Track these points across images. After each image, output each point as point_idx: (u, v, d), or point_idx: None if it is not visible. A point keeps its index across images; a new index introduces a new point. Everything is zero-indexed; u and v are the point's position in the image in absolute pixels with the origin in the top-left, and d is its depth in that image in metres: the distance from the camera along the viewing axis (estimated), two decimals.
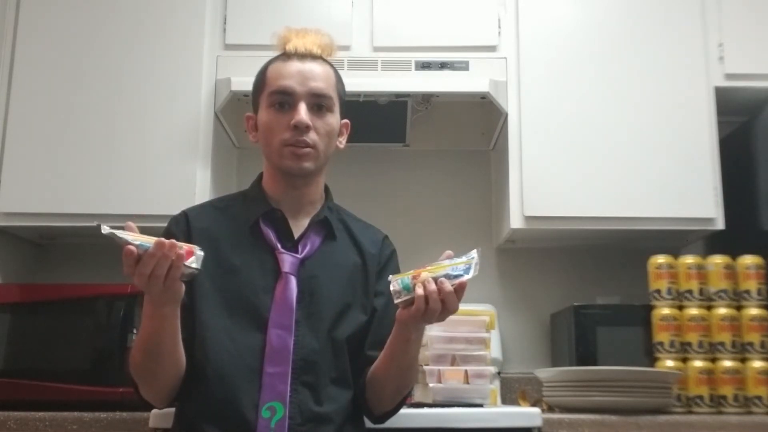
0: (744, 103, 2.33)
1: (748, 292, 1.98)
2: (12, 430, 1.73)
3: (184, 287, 1.24)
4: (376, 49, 2.27)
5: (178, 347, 1.32)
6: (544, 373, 1.97)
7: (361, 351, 1.48)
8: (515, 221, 2.20)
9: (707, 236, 2.32)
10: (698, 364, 1.94)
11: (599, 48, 2.27)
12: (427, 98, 2.36)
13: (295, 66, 1.47)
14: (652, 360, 2.00)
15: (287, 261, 1.43)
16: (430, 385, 1.78)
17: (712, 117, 2.23)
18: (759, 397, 1.90)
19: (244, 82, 2.12)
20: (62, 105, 2.19)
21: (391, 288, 1.30)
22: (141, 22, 2.25)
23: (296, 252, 1.45)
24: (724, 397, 1.92)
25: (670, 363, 1.95)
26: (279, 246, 1.45)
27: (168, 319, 1.27)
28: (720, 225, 2.18)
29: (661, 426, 1.76)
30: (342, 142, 1.55)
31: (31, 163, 2.16)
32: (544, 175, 2.20)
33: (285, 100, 1.45)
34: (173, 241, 1.19)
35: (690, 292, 2.01)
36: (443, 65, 2.24)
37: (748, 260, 2.00)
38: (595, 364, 2.06)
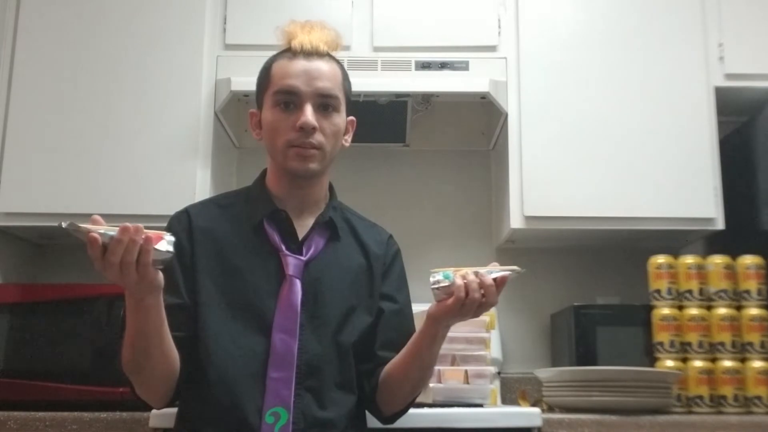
0: (744, 103, 2.33)
1: (748, 292, 1.98)
2: (12, 430, 1.73)
3: (161, 275, 1.19)
4: (376, 49, 2.27)
5: (165, 340, 1.28)
6: (544, 373, 1.97)
7: (371, 352, 1.46)
8: (515, 221, 2.20)
9: (707, 236, 2.32)
10: (698, 364, 1.94)
11: (599, 48, 2.27)
12: (427, 98, 2.36)
13: (301, 64, 1.43)
14: (652, 360, 2.00)
15: (291, 263, 1.41)
16: (430, 385, 1.78)
17: (712, 117, 2.23)
18: (759, 397, 1.90)
19: (244, 82, 2.12)
20: (62, 105, 2.19)
21: (431, 279, 1.30)
22: (141, 22, 2.25)
23: (300, 254, 1.43)
24: (724, 397, 1.92)
25: (670, 363, 1.95)
26: (284, 248, 1.42)
27: (151, 311, 1.22)
28: (720, 225, 2.18)
29: (661, 426, 1.76)
30: (348, 140, 1.52)
31: (31, 163, 2.16)
32: (544, 175, 2.20)
33: (290, 100, 1.41)
34: (138, 225, 1.14)
35: (690, 292, 2.01)
36: (443, 65, 2.24)
37: (748, 260, 2.00)
38: (595, 364, 2.06)
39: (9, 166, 2.16)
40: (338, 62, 1.50)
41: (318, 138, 1.41)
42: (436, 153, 2.62)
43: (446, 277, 1.28)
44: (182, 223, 1.44)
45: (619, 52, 2.26)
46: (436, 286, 1.29)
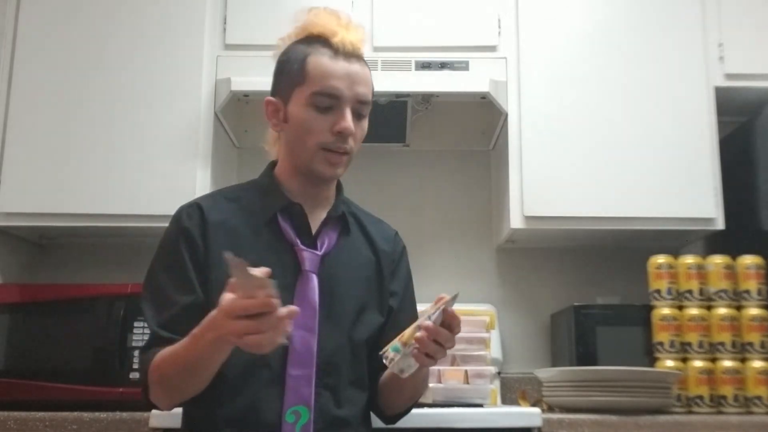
0: (744, 103, 2.33)
1: (748, 292, 1.98)
2: (12, 430, 1.73)
3: None
4: (376, 49, 2.27)
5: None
6: (544, 373, 1.97)
7: (378, 351, 1.45)
8: (515, 221, 2.20)
9: (707, 236, 2.32)
10: (698, 364, 1.94)
11: (599, 48, 2.27)
12: (427, 98, 2.36)
13: (342, 66, 1.35)
14: (652, 360, 2.00)
15: (308, 258, 1.37)
16: (430, 385, 1.78)
17: (712, 117, 2.23)
18: (759, 397, 1.90)
19: (244, 82, 2.12)
20: (62, 105, 2.19)
21: (385, 361, 1.25)
22: (141, 22, 2.25)
23: (314, 248, 1.39)
24: (724, 397, 1.92)
25: (670, 363, 1.95)
26: (299, 242, 1.38)
27: (228, 351, 1.19)
28: (720, 225, 2.18)
29: (661, 426, 1.76)
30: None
31: (31, 163, 2.16)
32: (544, 175, 2.20)
33: (330, 103, 1.34)
34: (293, 308, 1.09)
35: (690, 292, 2.00)
36: (443, 65, 2.24)
37: (748, 260, 2.00)
38: (595, 364, 2.06)
39: (9, 166, 2.16)
40: (368, 64, 1.45)
41: (350, 143, 1.37)
42: (436, 153, 2.62)
43: (396, 350, 1.24)
44: (194, 219, 1.37)
45: (619, 52, 2.26)
46: (392, 365, 1.25)
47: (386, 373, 1.42)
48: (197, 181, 2.16)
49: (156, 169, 2.16)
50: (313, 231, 1.41)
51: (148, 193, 2.14)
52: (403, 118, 2.40)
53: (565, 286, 2.50)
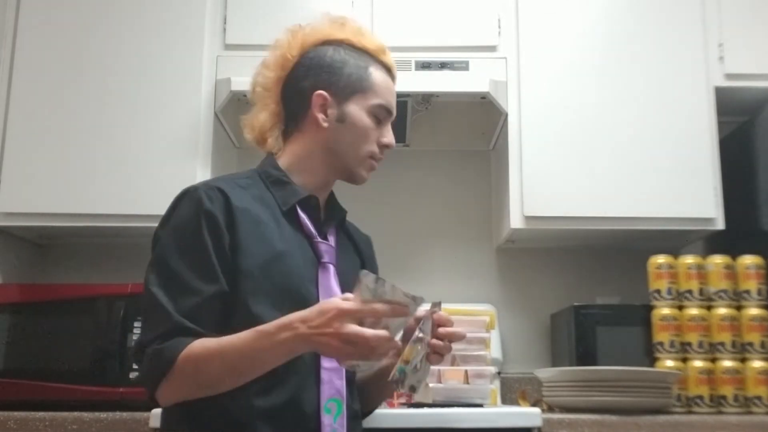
0: (744, 103, 2.33)
1: (748, 292, 1.98)
2: (12, 430, 1.73)
3: None
4: None
5: None
6: (544, 373, 1.97)
7: None
8: (515, 221, 2.20)
9: (707, 236, 2.32)
10: (698, 364, 1.94)
11: (599, 48, 2.27)
12: (427, 98, 2.36)
13: (392, 85, 1.48)
14: (652, 360, 2.00)
15: (326, 251, 1.38)
16: (430, 385, 1.78)
17: (712, 117, 2.23)
18: (759, 397, 1.90)
19: (245, 82, 2.10)
20: (62, 105, 2.20)
21: (401, 390, 1.26)
22: (141, 22, 2.25)
23: (326, 240, 1.41)
24: (724, 397, 1.92)
25: (670, 363, 1.95)
26: (317, 234, 1.39)
27: (293, 356, 1.20)
28: (720, 225, 2.18)
29: (661, 426, 1.76)
30: None
31: (31, 163, 2.16)
32: (544, 175, 2.20)
33: (384, 117, 1.45)
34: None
35: (690, 292, 2.00)
36: (443, 65, 2.24)
37: (748, 260, 2.00)
38: (595, 364, 2.06)
39: (9, 166, 2.16)
40: None
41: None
42: (436, 153, 2.62)
43: (401, 372, 1.23)
44: (217, 202, 1.29)
45: (619, 52, 2.26)
46: (402, 386, 1.24)
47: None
48: (197, 181, 2.14)
49: (156, 169, 2.16)
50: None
51: (148, 193, 2.14)
52: (403, 118, 2.40)
53: (565, 286, 2.50)
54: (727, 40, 2.26)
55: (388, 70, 1.47)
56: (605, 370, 1.87)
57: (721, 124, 2.25)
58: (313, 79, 1.42)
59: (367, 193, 2.54)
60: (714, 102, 2.23)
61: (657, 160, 2.20)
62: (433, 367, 1.78)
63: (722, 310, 1.97)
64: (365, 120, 1.42)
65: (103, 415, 1.75)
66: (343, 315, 1.11)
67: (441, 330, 1.30)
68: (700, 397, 1.92)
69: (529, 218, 2.19)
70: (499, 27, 2.29)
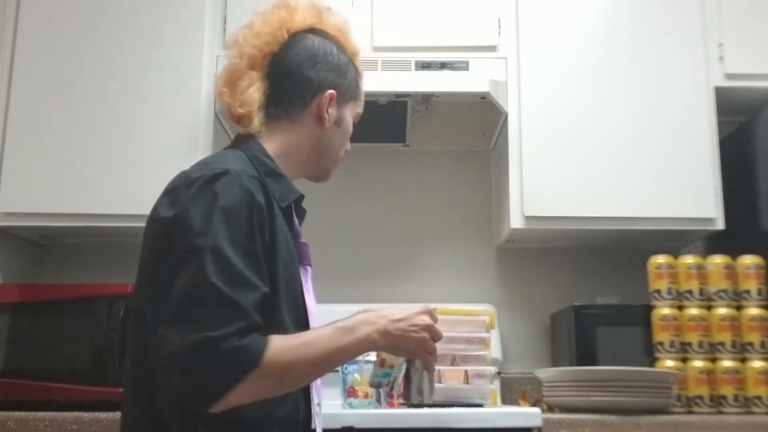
0: (744, 103, 2.33)
1: (748, 292, 1.98)
2: (12, 430, 1.73)
3: None
4: (376, 49, 2.27)
5: None
6: (544, 373, 1.97)
7: None
8: (515, 221, 2.20)
9: (707, 236, 2.32)
10: (698, 364, 1.94)
11: (599, 48, 2.27)
12: (427, 98, 2.36)
13: None
14: (652, 360, 2.00)
15: (306, 252, 1.33)
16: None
17: (712, 117, 2.23)
18: (759, 397, 1.90)
19: None
20: (62, 105, 2.19)
21: (406, 395, 1.32)
22: (141, 22, 2.25)
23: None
24: (724, 397, 1.92)
25: (670, 363, 1.95)
26: (301, 234, 1.33)
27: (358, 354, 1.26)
28: (720, 225, 2.18)
29: (661, 426, 1.76)
30: None
31: (31, 163, 2.16)
32: (544, 175, 2.20)
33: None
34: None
35: (690, 292, 2.01)
36: (443, 65, 2.24)
37: (748, 260, 2.00)
38: (595, 364, 2.06)
39: (9, 166, 2.16)
40: None
41: None
42: (436, 153, 2.62)
43: (386, 375, 1.31)
44: (263, 197, 1.19)
45: (619, 52, 2.26)
46: (400, 385, 1.31)
47: None
48: None
49: (156, 169, 2.16)
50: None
51: (148, 193, 2.09)
52: (403, 118, 2.40)
53: (565, 286, 2.50)
54: (727, 40, 2.26)
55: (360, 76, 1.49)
56: (605, 370, 1.87)
57: (721, 124, 2.25)
58: (322, 74, 1.36)
59: (367, 193, 2.56)
60: (714, 102, 2.23)
61: (657, 160, 2.20)
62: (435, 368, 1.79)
63: (722, 310, 1.97)
64: (351, 126, 1.46)
65: (103, 415, 1.75)
66: (428, 312, 1.25)
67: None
68: (700, 397, 1.92)
69: (529, 218, 2.19)
70: (499, 27, 2.29)
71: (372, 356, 1.49)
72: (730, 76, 2.25)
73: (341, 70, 1.41)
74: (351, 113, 1.44)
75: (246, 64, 1.35)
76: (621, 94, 2.24)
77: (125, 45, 2.23)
